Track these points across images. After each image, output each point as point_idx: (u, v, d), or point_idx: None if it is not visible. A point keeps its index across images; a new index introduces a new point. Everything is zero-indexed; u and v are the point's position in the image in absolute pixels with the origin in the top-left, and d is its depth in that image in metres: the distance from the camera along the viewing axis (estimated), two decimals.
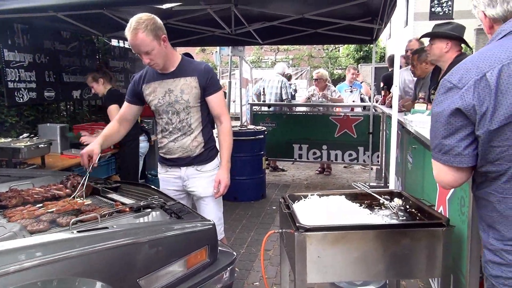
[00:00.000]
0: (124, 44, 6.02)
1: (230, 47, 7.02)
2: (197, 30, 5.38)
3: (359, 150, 6.20)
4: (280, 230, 2.10)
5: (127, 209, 1.93)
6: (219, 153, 2.50)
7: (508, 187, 1.11)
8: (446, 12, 21.60)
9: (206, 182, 2.42)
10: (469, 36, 18.30)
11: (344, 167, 7.17)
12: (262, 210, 4.82)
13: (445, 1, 21.70)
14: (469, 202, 1.63)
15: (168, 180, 2.49)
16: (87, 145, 2.35)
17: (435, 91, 3.08)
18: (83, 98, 5.15)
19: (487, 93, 1.07)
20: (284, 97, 6.84)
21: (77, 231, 1.54)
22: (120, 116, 2.47)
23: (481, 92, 1.08)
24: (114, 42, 5.96)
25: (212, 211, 2.40)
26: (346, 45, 19.06)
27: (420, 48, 4.09)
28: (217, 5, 4.19)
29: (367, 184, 5.58)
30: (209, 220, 1.92)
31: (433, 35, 3.06)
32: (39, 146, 3.30)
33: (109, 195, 2.21)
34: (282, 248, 2.13)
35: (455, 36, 2.99)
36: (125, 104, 2.48)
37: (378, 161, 6.12)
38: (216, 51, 11.16)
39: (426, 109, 2.86)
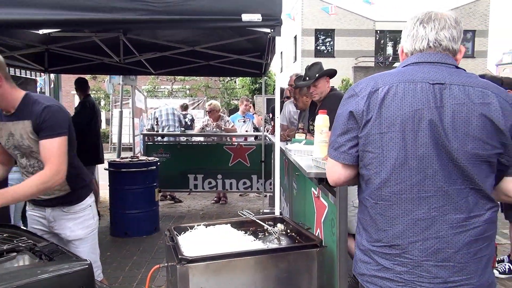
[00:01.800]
0: None
1: (121, 75, 6.81)
2: (85, 57, 5.13)
3: (252, 178, 6.40)
4: (166, 264, 2.05)
5: None
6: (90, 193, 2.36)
7: (379, 194, 1.29)
8: (329, 50, 24.06)
9: (74, 224, 2.25)
10: (348, 72, 20.58)
11: (240, 195, 7.32)
12: (155, 245, 4.63)
13: (328, 41, 24.19)
14: (337, 223, 1.80)
15: (34, 218, 2.27)
16: None
17: (313, 122, 3.37)
18: None
19: (375, 104, 1.28)
20: (176, 125, 6.81)
21: None
22: None
23: (371, 102, 1.29)
24: None
25: (84, 254, 2.19)
26: (241, 77, 19.84)
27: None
28: (103, 33, 4.06)
29: (261, 211, 5.69)
30: (85, 260, 1.78)
31: (319, 77, 3.26)
32: None
33: None
34: (169, 282, 2.07)
35: (334, 71, 3.33)
36: None
37: (271, 188, 6.38)
38: (107, 79, 10.70)
39: (305, 138, 3.10)
